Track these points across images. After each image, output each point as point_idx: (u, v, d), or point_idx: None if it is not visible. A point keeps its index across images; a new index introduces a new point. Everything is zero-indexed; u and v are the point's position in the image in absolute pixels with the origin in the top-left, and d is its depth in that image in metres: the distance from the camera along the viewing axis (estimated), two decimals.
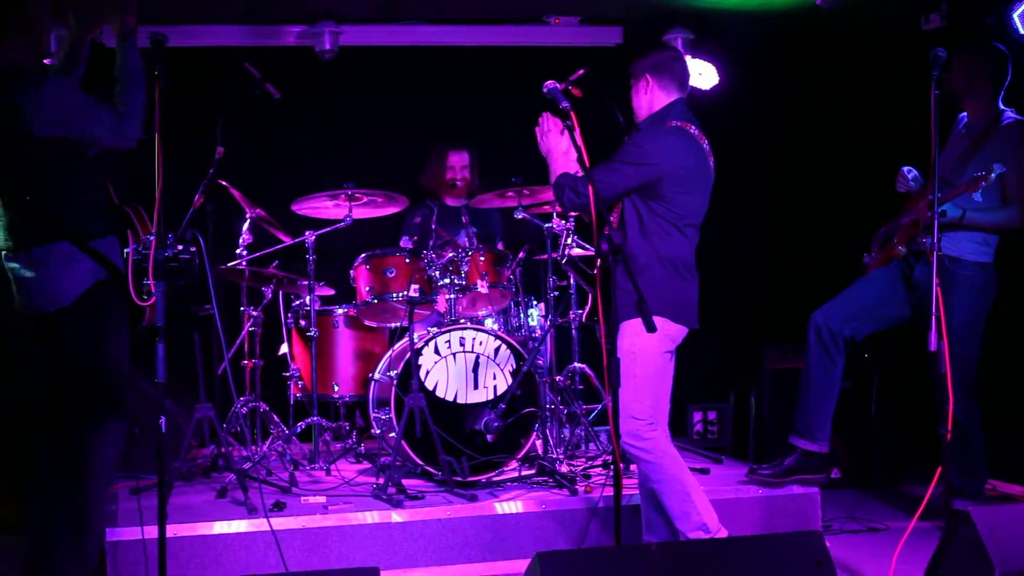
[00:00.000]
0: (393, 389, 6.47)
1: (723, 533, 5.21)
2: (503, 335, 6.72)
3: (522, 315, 7.27)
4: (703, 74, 8.11)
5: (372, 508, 5.85)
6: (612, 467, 4.90)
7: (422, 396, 6.29)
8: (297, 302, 7.47)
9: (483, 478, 6.38)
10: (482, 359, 6.61)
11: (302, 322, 7.34)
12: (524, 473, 6.54)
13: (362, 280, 6.93)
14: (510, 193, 7.06)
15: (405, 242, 7.87)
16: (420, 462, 6.38)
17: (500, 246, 7.99)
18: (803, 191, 8.82)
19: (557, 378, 7.23)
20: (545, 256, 7.17)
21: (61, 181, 4.82)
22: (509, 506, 5.95)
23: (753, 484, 6.22)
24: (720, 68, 8.15)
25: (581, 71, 6.43)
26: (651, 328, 4.69)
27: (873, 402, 7.46)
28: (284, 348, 7.55)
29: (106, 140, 4.84)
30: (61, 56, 5.02)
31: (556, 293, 7.19)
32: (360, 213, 7.17)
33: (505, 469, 6.53)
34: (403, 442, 6.29)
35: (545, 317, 7.23)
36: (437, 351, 6.56)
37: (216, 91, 7.36)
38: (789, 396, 6.60)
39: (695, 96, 7.30)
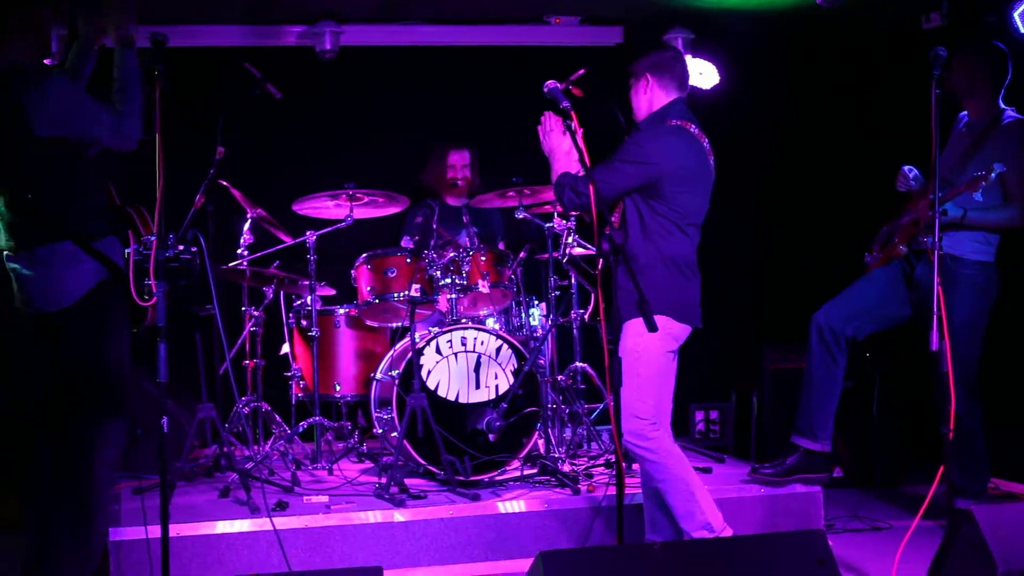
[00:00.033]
0: (395, 389, 6.47)
1: (728, 532, 5.21)
2: (504, 335, 6.72)
3: (523, 315, 7.28)
4: (703, 74, 8.12)
5: (375, 507, 5.85)
6: (614, 466, 4.89)
7: (424, 396, 6.29)
8: (298, 302, 7.48)
9: (485, 477, 6.39)
10: (483, 359, 6.61)
11: (303, 322, 7.35)
12: (526, 472, 6.54)
13: (363, 280, 6.93)
14: (511, 193, 7.06)
15: (406, 242, 7.88)
16: (422, 461, 6.39)
17: (502, 246, 7.99)
18: (803, 191, 8.82)
19: (559, 377, 7.24)
20: (546, 256, 7.17)
21: (62, 181, 4.83)
22: (511, 505, 5.95)
23: (755, 483, 6.22)
24: (720, 68, 8.16)
25: (582, 71, 6.44)
26: (652, 328, 4.69)
27: (875, 401, 7.46)
28: (285, 348, 7.55)
29: (106, 140, 4.85)
30: (69, 58, 5.04)
31: (557, 293, 7.19)
32: (361, 213, 7.18)
33: (507, 468, 6.53)
34: (405, 442, 6.29)
35: (546, 317, 7.23)
36: (439, 351, 6.56)
37: (217, 91, 7.36)
38: (790, 395, 6.60)
39: (696, 96, 7.32)
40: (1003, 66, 6.29)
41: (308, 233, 7.05)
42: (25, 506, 5.03)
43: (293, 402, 7.36)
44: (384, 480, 6.14)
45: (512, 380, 6.60)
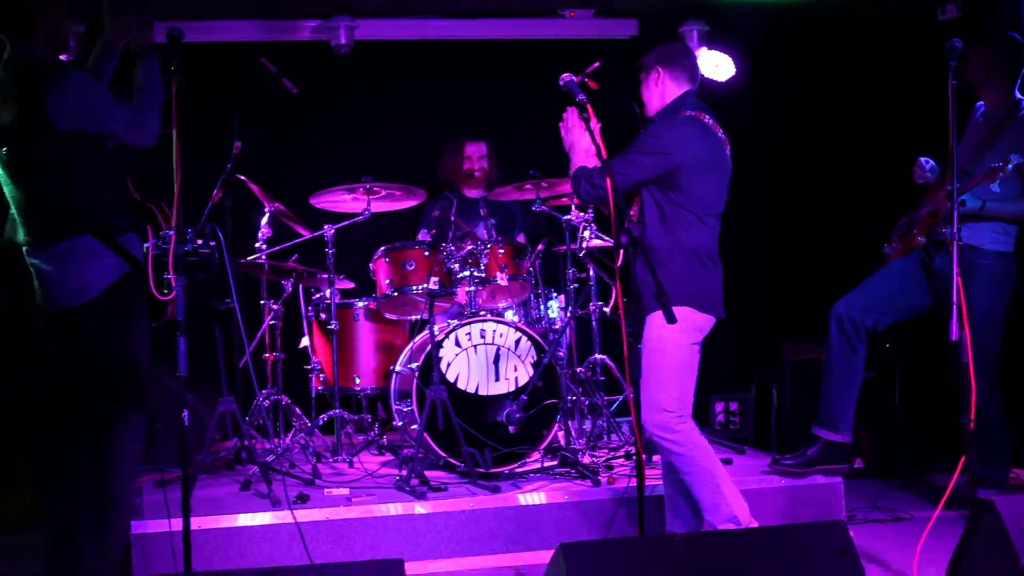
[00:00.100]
0: (414, 381, 6.48)
1: (754, 525, 5.20)
2: (523, 327, 6.73)
3: (542, 307, 7.28)
4: (719, 66, 8.09)
5: (395, 500, 5.87)
6: (634, 458, 4.90)
7: (443, 388, 6.31)
8: (317, 295, 7.48)
9: (506, 469, 6.39)
10: (503, 351, 6.62)
11: (322, 315, 7.36)
12: (546, 464, 6.54)
13: (382, 273, 6.94)
14: (528, 185, 7.06)
15: (423, 235, 7.90)
16: (443, 454, 6.40)
17: (522, 238, 8.01)
18: (818, 182, 8.79)
19: (578, 369, 7.25)
20: (564, 248, 7.17)
21: (82, 175, 4.84)
22: (532, 497, 5.96)
23: (776, 474, 6.22)
24: (736, 60, 8.15)
25: (597, 64, 6.42)
26: (671, 319, 4.69)
27: (896, 392, 7.45)
28: (305, 341, 7.56)
29: (123, 135, 4.85)
30: (92, 57, 5.05)
31: (576, 285, 7.18)
32: (378, 206, 7.18)
33: (527, 460, 6.54)
34: (425, 434, 6.30)
35: (565, 309, 7.23)
36: (458, 343, 6.57)
37: (233, 86, 7.38)
38: (810, 387, 6.60)
39: (711, 88, 7.33)
40: (1019, 56, 6.27)
41: (326, 227, 7.07)
42: (46, 501, 5.03)
43: (313, 395, 7.38)
44: (405, 472, 6.16)
45: (532, 372, 6.60)
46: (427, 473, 6.21)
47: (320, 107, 8.46)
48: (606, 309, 7.38)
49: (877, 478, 7.21)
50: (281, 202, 7.23)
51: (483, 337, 6.61)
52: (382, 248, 6.95)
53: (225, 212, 6.85)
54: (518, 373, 6.62)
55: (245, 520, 5.59)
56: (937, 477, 7.13)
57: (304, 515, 5.62)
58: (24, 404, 5.50)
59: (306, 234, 7.30)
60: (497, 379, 6.59)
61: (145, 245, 4.95)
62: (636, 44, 8.74)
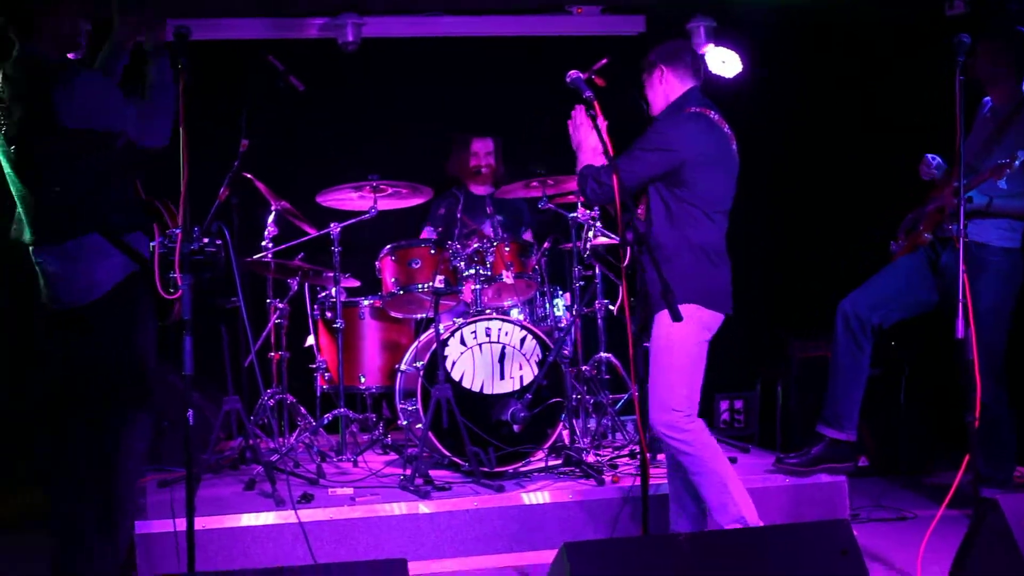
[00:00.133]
0: (419, 380, 6.48)
1: (760, 525, 5.20)
2: (529, 325, 6.72)
3: (547, 305, 7.27)
4: (727, 62, 8.07)
5: (399, 499, 5.87)
6: (639, 457, 4.89)
7: (448, 387, 6.31)
8: (323, 294, 7.49)
9: (510, 469, 6.39)
10: (508, 349, 6.62)
11: (328, 314, 7.36)
12: (551, 463, 6.54)
13: (388, 271, 6.94)
14: (535, 183, 7.05)
15: (428, 232, 7.89)
16: (447, 453, 6.40)
17: (529, 235, 8.00)
18: (828, 179, 8.76)
19: (583, 368, 7.25)
20: (570, 245, 7.16)
21: (90, 173, 4.83)
22: (536, 496, 5.96)
23: (780, 473, 6.22)
24: (743, 56, 8.13)
25: (604, 60, 6.42)
26: (676, 317, 4.68)
27: (902, 389, 7.44)
28: (310, 340, 7.56)
29: (133, 133, 4.84)
30: (101, 56, 5.06)
31: (581, 283, 7.19)
32: (385, 204, 7.19)
33: (532, 459, 6.54)
34: (430, 433, 6.30)
35: (570, 307, 7.22)
36: (463, 342, 6.57)
37: (240, 84, 7.37)
38: (816, 385, 6.59)
39: (718, 84, 7.31)
40: None
41: (332, 225, 7.07)
42: (52, 501, 5.04)
43: (318, 394, 7.36)
44: (409, 472, 6.15)
45: (536, 371, 6.60)
46: (431, 472, 6.21)
47: (327, 105, 8.47)
48: (612, 307, 7.37)
49: (881, 476, 7.20)
50: (288, 200, 7.24)
51: (488, 335, 6.60)
52: (388, 246, 6.95)
53: (232, 210, 6.83)
54: (523, 372, 6.61)
55: (249, 520, 5.60)
56: (942, 475, 7.12)
57: (308, 515, 5.62)
58: (25, 404, 5.50)
59: (312, 232, 7.30)
60: (502, 378, 6.59)
61: (151, 244, 4.94)
62: (643, 40, 8.72)
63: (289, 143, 8.37)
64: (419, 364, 6.56)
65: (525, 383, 6.59)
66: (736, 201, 5.43)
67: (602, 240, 6.93)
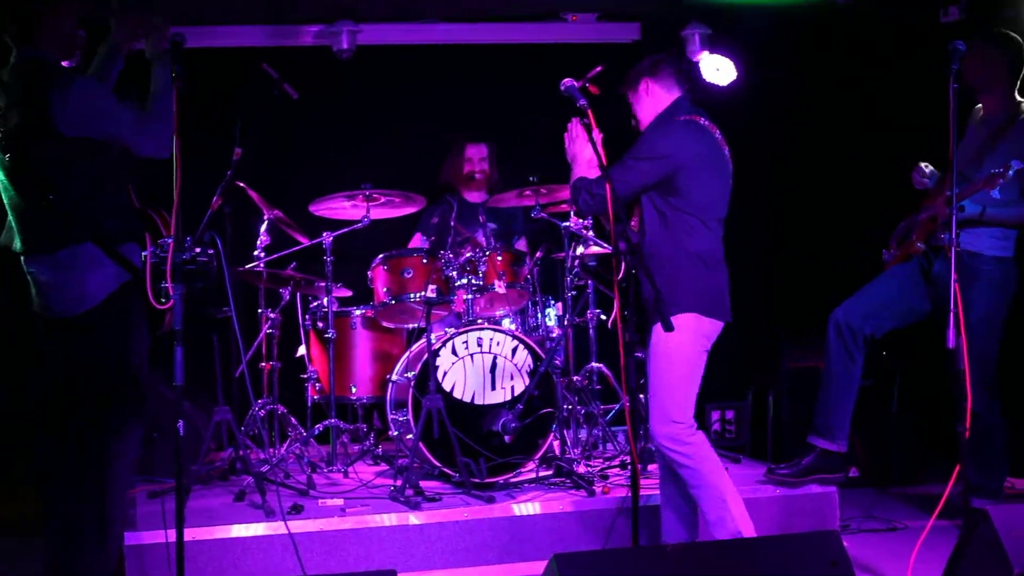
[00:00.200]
0: (411, 390, 6.47)
1: None
2: (520, 335, 6.71)
3: (539, 315, 7.27)
4: (720, 69, 8.06)
5: (390, 510, 5.86)
6: (630, 467, 4.88)
7: (439, 397, 6.30)
8: (315, 303, 7.47)
9: (500, 479, 6.38)
10: (499, 360, 6.61)
11: (320, 324, 7.35)
12: (541, 474, 6.54)
13: (379, 281, 6.93)
14: (528, 192, 7.05)
15: (418, 239, 7.88)
16: (437, 464, 6.39)
17: (523, 242, 8.00)
18: (819, 185, 8.77)
19: (574, 378, 7.24)
20: (563, 255, 7.16)
21: (85, 181, 4.81)
22: (526, 507, 5.94)
23: (771, 484, 6.21)
24: (737, 63, 8.12)
25: (598, 68, 6.41)
26: (668, 327, 4.68)
27: (894, 399, 7.43)
28: (302, 350, 7.55)
29: (130, 141, 4.82)
30: (95, 61, 5.05)
31: (574, 293, 7.17)
32: (377, 214, 7.19)
33: (522, 470, 6.53)
34: (420, 444, 6.30)
35: (562, 317, 7.21)
36: (454, 352, 6.56)
37: (234, 92, 7.36)
38: (807, 395, 6.58)
39: (712, 91, 7.30)
40: (1019, 58, 6.23)
41: (325, 234, 7.06)
42: (45, 510, 5.02)
43: (309, 404, 7.35)
44: (399, 483, 6.14)
45: (528, 381, 6.59)
46: (422, 483, 6.19)
47: (321, 113, 8.46)
48: (604, 317, 7.37)
49: (874, 486, 7.20)
50: (280, 209, 7.22)
51: (480, 345, 6.60)
52: (380, 256, 6.94)
53: (224, 219, 6.82)
54: (514, 382, 6.60)
55: (239, 531, 5.58)
56: (933, 486, 7.09)
57: (298, 526, 5.60)
58: (24, 406, 5.49)
59: (305, 242, 7.29)
60: (493, 388, 6.58)
61: (143, 253, 4.93)
62: (638, 48, 8.72)
63: (283, 152, 8.37)
64: (410, 374, 6.55)
65: (516, 393, 6.58)
66: (732, 205, 5.42)
67: (594, 250, 6.92)
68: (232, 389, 6.89)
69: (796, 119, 8.89)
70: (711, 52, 8.13)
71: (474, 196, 8.12)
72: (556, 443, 6.80)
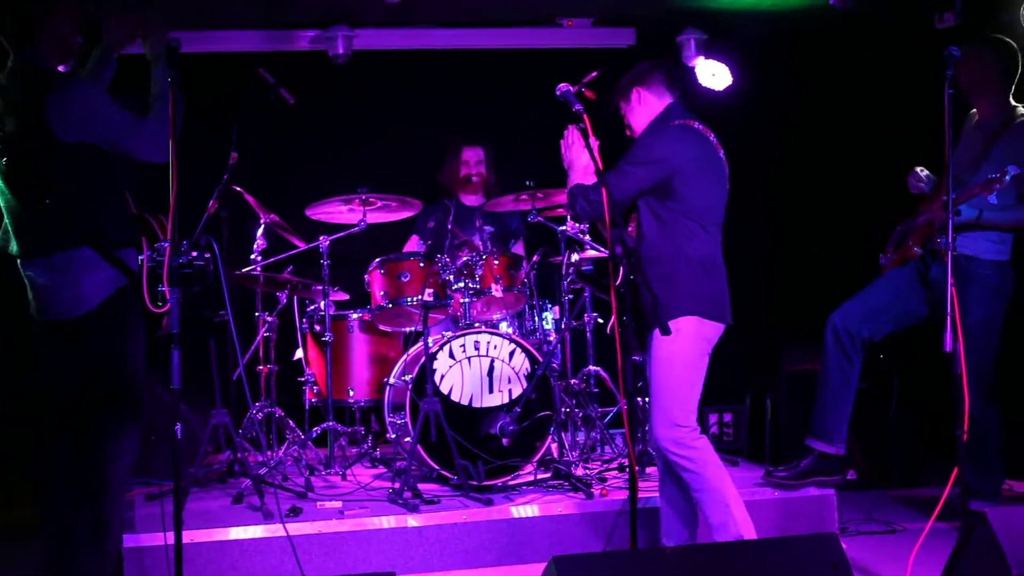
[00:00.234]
0: (408, 393, 6.47)
1: None
2: (518, 339, 6.72)
3: (536, 318, 7.27)
4: (716, 75, 8.07)
5: (388, 513, 5.86)
6: (628, 470, 4.88)
7: (437, 400, 6.30)
8: (312, 307, 7.48)
9: (499, 482, 6.38)
10: (497, 363, 6.61)
11: (317, 327, 7.35)
12: (539, 477, 6.54)
13: (377, 285, 6.94)
14: (525, 196, 7.05)
15: (415, 242, 7.88)
16: (436, 466, 6.39)
17: (521, 246, 8.00)
18: (816, 189, 8.79)
19: (572, 381, 7.24)
20: (559, 259, 7.16)
21: (82, 186, 4.80)
22: (524, 510, 5.95)
23: (769, 486, 6.21)
24: (733, 68, 8.14)
25: (594, 73, 6.42)
26: (665, 331, 4.67)
27: (893, 401, 7.43)
28: (299, 353, 7.55)
29: (127, 144, 4.81)
30: (88, 64, 5.04)
31: (571, 296, 7.18)
32: (374, 217, 7.19)
33: (520, 473, 6.53)
34: (418, 446, 6.30)
35: (559, 320, 7.21)
36: (452, 355, 6.56)
37: (231, 97, 7.36)
38: (805, 398, 6.59)
39: (709, 96, 7.31)
40: (1013, 63, 6.24)
41: (321, 238, 7.06)
42: (42, 514, 5.01)
43: (307, 407, 7.35)
44: (397, 485, 6.14)
45: (525, 384, 6.59)
46: (420, 486, 6.20)
47: (318, 117, 8.47)
48: (601, 320, 7.37)
49: (871, 489, 7.19)
50: (277, 213, 7.23)
51: (477, 349, 6.60)
52: (377, 260, 6.95)
53: (221, 223, 6.83)
54: (512, 385, 6.61)
55: (237, 533, 5.58)
56: (931, 488, 7.11)
57: (296, 528, 5.60)
58: (22, 411, 5.48)
59: (301, 245, 7.29)
60: (491, 391, 6.58)
61: (140, 257, 4.92)
62: (634, 53, 8.72)
63: (279, 156, 8.37)
64: (408, 377, 6.55)
65: (514, 396, 6.58)
66: (731, 208, 5.41)
67: (591, 254, 6.93)
68: (230, 392, 6.88)
69: (793, 123, 8.91)
70: (707, 57, 8.14)
71: (471, 199, 8.13)
72: (554, 446, 6.81)
